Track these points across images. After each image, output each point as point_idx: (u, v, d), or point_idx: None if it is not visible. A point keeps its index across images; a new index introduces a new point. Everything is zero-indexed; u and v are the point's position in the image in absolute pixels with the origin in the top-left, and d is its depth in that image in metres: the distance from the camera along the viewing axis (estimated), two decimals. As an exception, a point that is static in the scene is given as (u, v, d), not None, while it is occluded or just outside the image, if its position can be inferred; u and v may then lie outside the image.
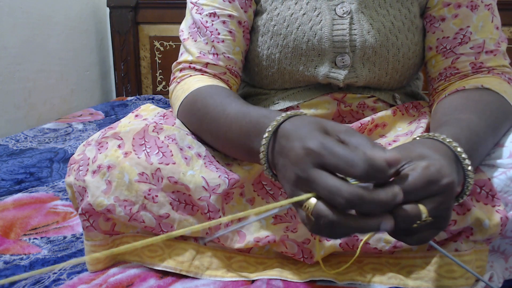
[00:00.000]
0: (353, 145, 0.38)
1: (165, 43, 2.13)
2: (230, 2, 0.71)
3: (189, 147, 0.61)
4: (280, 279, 0.58)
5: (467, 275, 0.54)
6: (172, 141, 0.60)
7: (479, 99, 0.59)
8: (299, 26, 0.69)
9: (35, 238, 0.72)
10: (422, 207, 0.38)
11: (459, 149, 0.44)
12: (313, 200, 0.38)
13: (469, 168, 0.44)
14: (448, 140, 0.45)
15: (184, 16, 0.77)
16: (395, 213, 0.38)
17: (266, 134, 0.45)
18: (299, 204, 0.40)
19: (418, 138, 0.48)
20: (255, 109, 0.53)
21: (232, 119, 0.55)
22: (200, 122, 0.62)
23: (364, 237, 0.56)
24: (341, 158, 0.37)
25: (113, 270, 0.60)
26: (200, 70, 0.71)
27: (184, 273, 0.59)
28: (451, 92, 0.65)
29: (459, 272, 0.54)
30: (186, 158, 0.59)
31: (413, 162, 0.40)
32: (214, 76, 0.71)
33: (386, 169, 0.36)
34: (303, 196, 0.38)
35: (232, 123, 0.55)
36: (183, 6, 0.80)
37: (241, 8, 0.72)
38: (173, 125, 0.63)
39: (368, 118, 0.69)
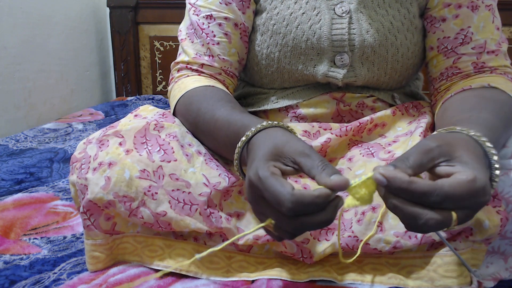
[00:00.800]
0: (304, 168, 0.42)
1: (165, 43, 2.13)
2: (226, 4, 0.72)
3: (190, 145, 0.62)
4: (280, 279, 0.58)
5: (465, 274, 0.54)
6: (173, 138, 0.61)
7: (492, 99, 0.59)
8: (299, 25, 0.69)
9: (35, 238, 0.72)
10: (454, 217, 0.39)
11: (495, 158, 0.44)
12: (270, 221, 0.43)
13: (497, 172, 0.44)
14: (488, 145, 0.44)
15: (184, 16, 0.78)
16: (428, 215, 0.38)
17: (236, 150, 0.52)
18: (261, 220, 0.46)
19: (457, 130, 0.47)
20: (239, 117, 0.57)
21: (220, 126, 0.59)
22: (195, 124, 0.65)
23: (364, 238, 0.56)
24: (272, 195, 0.41)
25: (113, 270, 0.60)
26: (196, 71, 0.73)
27: (184, 273, 0.59)
28: (457, 91, 0.65)
29: (458, 271, 0.54)
30: (187, 155, 0.60)
31: (452, 163, 0.40)
32: (210, 76, 0.73)
33: (314, 203, 0.39)
34: (262, 225, 0.44)
35: (220, 130, 0.58)
36: (183, 6, 0.81)
37: (239, 9, 0.72)
38: (173, 123, 0.64)
39: (367, 118, 0.69)
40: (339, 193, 0.42)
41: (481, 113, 0.54)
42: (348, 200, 0.43)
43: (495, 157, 0.44)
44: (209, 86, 0.68)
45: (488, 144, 0.45)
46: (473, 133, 0.46)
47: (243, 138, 0.51)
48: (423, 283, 0.56)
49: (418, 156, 0.41)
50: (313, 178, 0.42)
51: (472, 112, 0.56)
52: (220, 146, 0.60)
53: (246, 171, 0.47)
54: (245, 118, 0.56)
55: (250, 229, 0.59)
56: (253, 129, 0.50)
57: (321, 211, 0.41)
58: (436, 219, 0.38)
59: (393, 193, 0.40)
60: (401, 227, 0.55)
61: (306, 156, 0.43)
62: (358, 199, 0.42)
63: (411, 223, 0.40)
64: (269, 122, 0.51)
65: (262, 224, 0.44)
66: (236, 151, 0.52)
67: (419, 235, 0.55)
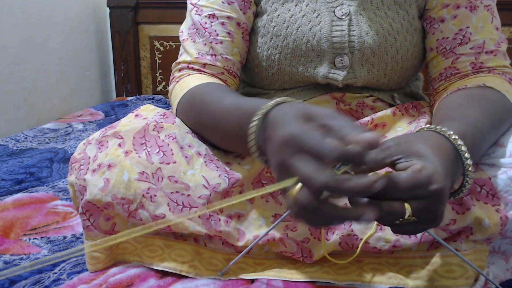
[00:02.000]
0: (334, 128, 0.40)
1: (165, 43, 2.13)
2: (229, 4, 0.72)
3: (189, 146, 0.62)
4: (280, 279, 0.58)
5: (466, 275, 0.54)
6: (173, 139, 0.60)
7: (483, 97, 0.60)
8: (299, 27, 0.69)
9: (35, 238, 0.72)
10: (407, 206, 0.40)
11: (463, 148, 0.45)
12: (298, 186, 0.39)
13: (470, 168, 0.45)
14: (453, 137, 0.46)
15: (184, 16, 0.78)
16: (380, 206, 0.39)
17: (254, 122, 0.47)
18: (285, 190, 0.41)
19: (425, 129, 0.49)
20: (250, 100, 0.55)
21: (228, 111, 0.56)
22: (198, 117, 0.63)
23: (364, 236, 0.56)
24: (316, 146, 0.38)
25: (113, 270, 0.60)
26: (198, 70, 0.72)
27: (184, 273, 0.59)
28: (452, 90, 0.65)
29: (459, 272, 0.54)
30: (186, 157, 0.59)
31: (409, 158, 0.41)
32: (212, 75, 0.72)
33: (358, 153, 0.37)
34: (288, 181, 0.39)
35: (228, 115, 0.56)
36: (183, 6, 0.81)
37: (240, 9, 0.72)
38: (173, 124, 0.63)
39: (367, 118, 0.69)
40: None
41: (466, 110, 0.55)
42: None
43: (463, 148, 0.45)
44: (212, 82, 0.68)
45: (454, 136, 0.46)
46: (439, 128, 0.47)
47: (262, 110, 0.46)
48: (423, 283, 0.56)
49: (374, 153, 0.41)
50: (343, 137, 0.39)
51: (457, 110, 0.56)
52: (228, 133, 0.57)
53: (274, 136, 0.43)
54: (256, 100, 0.53)
55: (251, 230, 0.59)
56: (271, 102, 0.47)
57: (360, 176, 0.38)
58: (386, 208, 0.39)
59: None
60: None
61: (334, 117, 0.41)
62: None
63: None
64: (284, 98, 0.48)
65: (293, 180, 0.39)
66: (254, 123, 0.47)
67: (419, 234, 0.55)
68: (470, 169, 0.46)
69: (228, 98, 0.59)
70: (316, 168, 0.37)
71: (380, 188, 0.38)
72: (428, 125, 0.50)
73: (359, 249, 0.56)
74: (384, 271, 0.58)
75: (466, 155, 0.45)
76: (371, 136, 0.37)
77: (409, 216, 0.40)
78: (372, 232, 0.56)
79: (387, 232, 0.56)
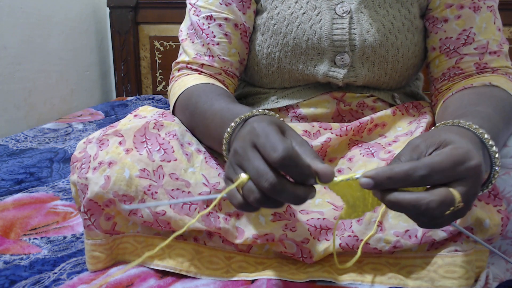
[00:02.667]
0: (294, 147, 0.41)
1: (165, 43, 2.13)
2: (226, 5, 0.72)
3: (189, 143, 0.62)
4: (280, 279, 0.58)
5: (467, 275, 0.54)
6: (173, 137, 0.61)
7: (491, 95, 0.60)
8: (299, 25, 0.70)
9: (35, 238, 0.72)
10: (455, 192, 0.38)
11: (486, 136, 0.45)
12: (244, 178, 0.41)
13: (496, 155, 0.44)
14: (474, 127, 0.45)
15: (184, 16, 0.78)
16: (427, 198, 0.37)
17: (234, 123, 0.50)
18: (230, 180, 0.44)
19: (442, 126, 0.48)
20: (238, 106, 0.57)
21: (216, 114, 0.58)
22: (191, 116, 0.65)
23: (365, 237, 0.56)
24: (270, 141, 0.40)
25: (113, 270, 0.60)
26: (196, 70, 0.74)
27: (184, 273, 0.59)
28: (458, 89, 0.65)
29: (459, 272, 0.54)
30: (187, 155, 0.60)
31: (440, 149, 0.40)
32: (210, 76, 0.74)
33: (305, 168, 0.39)
34: (239, 181, 0.41)
35: (215, 118, 0.58)
36: (183, 6, 0.81)
37: (239, 10, 0.73)
38: (173, 121, 0.64)
39: (367, 118, 0.69)
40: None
41: (478, 107, 0.55)
42: (344, 211, 0.44)
43: (490, 142, 0.45)
44: (209, 83, 0.69)
45: (481, 130, 0.45)
46: (463, 122, 0.47)
47: (237, 119, 0.50)
48: (423, 283, 0.56)
49: (408, 154, 0.41)
50: (288, 146, 0.41)
51: (469, 107, 0.56)
52: (213, 133, 0.59)
53: (247, 125, 0.46)
54: (245, 107, 0.55)
55: (250, 228, 0.59)
56: (253, 111, 0.50)
57: (300, 184, 0.40)
58: (436, 200, 0.37)
59: (385, 189, 0.39)
60: (401, 226, 0.55)
61: (302, 145, 0.43)
62: (352, 206, 0.43)
63: (416, 216, 0.39)
64: (265, 110, 0.51)
65: (243, 175, 0.41)
66: (228, 130, 0.50)
67: (419, 234, 0.55)
68: (497, 156, 0.44)
69: (219, 102, 0.60)
70: (268, 168, 0.39)
71: (313, 196, 0.40)
72: (444, 121, 0.48)
73: (359, 252, 0.56)
74: (384, 271, 0.58)
75: (491, 142, 0.44)
76: (326, 168, 0.39)
77: (459, 202, 0.37)
78: (372, 233, 0.56)
79: (388, 233, 0.56)
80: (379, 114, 0.70)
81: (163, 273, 0.60)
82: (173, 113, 0.72)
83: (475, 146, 0.42)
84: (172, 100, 0.72)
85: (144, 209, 0.57)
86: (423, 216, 0.38)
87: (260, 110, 0.50)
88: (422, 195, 0.37)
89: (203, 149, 0.63)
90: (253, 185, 0.40)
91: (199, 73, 0.73)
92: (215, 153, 0.65)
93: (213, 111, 0.59)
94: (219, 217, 0.58)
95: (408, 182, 0.38)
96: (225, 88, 0.70)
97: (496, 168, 0.45)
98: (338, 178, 0.41)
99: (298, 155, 0.39)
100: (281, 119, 0.71)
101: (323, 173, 0.39)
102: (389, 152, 0.63)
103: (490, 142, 0.45)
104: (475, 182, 0.39)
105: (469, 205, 0.40)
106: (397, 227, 0.56)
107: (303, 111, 0.73)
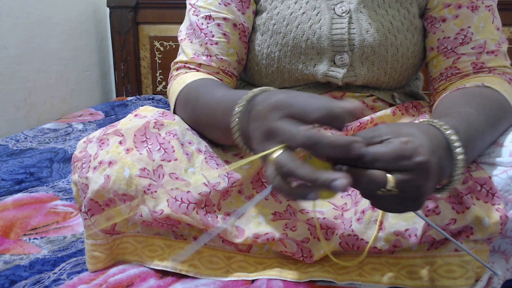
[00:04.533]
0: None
1: (165, 43, 2.13)
2: (225, 5, 0.72)
3: (190, 143, 0.62)
4: (280, 279, 0.58)
5: (467, 275, 0.54)
6: (174, 136, 0.61)
7: (479, 95, 0.60)
8: (299, 24, 0.70)
9: (35, 238, 0.72)
10: (390, 177, 0.40)
11: (453, 137, 0.45)
12: (279, 151, 0.40)
13: (459, 157, 0.45)
14: (444, 127, 0.46)
15: (184, 16, 0.79)
16: (362, 173, 0.39)
17: (239, 104, 0.50)
18: (266, 161, 0.42)
19: (417, 122, 0.49)
20: (239, 91, 0.57)
21: (219, 101, 0.58)
22: (193, 110, 0.65)
23: (364, 236, 0.56)
24: (303, 104, 0.41)
25: (113, 270, 0.60)
26: (194, 69, 0.74)
27: (184, 273, 0.59)
28: (452, 90, 0.65)
29: (459, 272, 0.54)
30: (187, 154, 0.60)
31: (398, 138, 0.42)
32: (208, 74, 0.74)
33: (344, 115, 0.40)
34: (271, 150, 0.41)
35: (218, 106, 0.58)
36: (183, 6, 0.81)
37: (238, 10, 0.73)
38: (173, 121, 0.64)
39: (367, 117, 0.69)
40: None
41: (461, 108, 0.55)
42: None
43: (453, 137, 0.45)
44: (207, 78, 0.70)
45: (445, 126, 0.46)
46: (431, 120, 0.48)
47: (249, 94, 0.49)
48: (423, 283, 0.56)
49: (366, 132, 0.43)
50: (322, 102, 0.42)
51: (452, 108, 0.57)
52: (217, 122, 0.58)
53: (265, 102, 0.45)
54: (246, 90, 0.55)
55: (250, 227, 0.59)
56: (257, 89, 0.50)
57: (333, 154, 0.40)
58: (367, 175, 0.39)
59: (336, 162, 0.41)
60: (401, 225, 0.55)
61: (317, 97, 0.43)
62: None
63: (354, 186, 0.41)
64: (270, 87, 0.51)
65: (275, 148, 0.41)
66: (239, 105, 0.50)
67: (419, 233, 0.55)
68: (460, 157, 0.45)
69: (219, 91, 0.61)
70: (298, 127, 0.40)
71: (359, 148, 0.39)
72: (420, 119, 0.50)
73: (365, 252, 0.55)
74: (384, 271, 0.58)
75: (456, 144, 0.45)
76: (353, 104, 0.40)
77: (392, 187, 0.39)
78: (375, 235, 0.56)
79: (387, 232, 0.56)
80: (379, 114, 0.70)
81: (163, 273, 0.60)
82: (174, 110, 0.72)
83: (433, 145, 0.43)
84: (172, 98, 0.73)
85: (144, 208, 0.57)
86: (357, 188, 0.41)
87: (257, 89, 0.50)
88: (357, 170, 0.40)
89: (203, 149, 0.63)
90: (283, 156, 0.40)
91: (197, 71, 0.74)
92: (215, 152, 0.65)
93: (215, 100, 0.59)
94: (217, 217, 0.58)
95: (348, 152, 0.39)
96: (223, 82, 0.71)
97: (457, 170, 0.46)
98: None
99: (332, 105, 0.40)
100: None
101: (353, 109, 0.40)
102: None
103: (456, 144, 0.45)
104: (418, 176, 0.40)
105: (414, 196, 0.41)
106: (397, 226, 0.56)
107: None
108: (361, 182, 0.40)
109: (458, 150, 0.45)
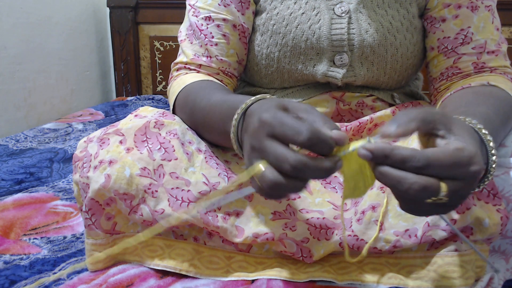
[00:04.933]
0: (308, 121, 0.41)
1: (165, 43, 2.13)
2: (225, 6, 0.72)
3: (190, 142, 0.62)
4: (280, 279, 0.58)
5: (467, 275, 0.54)
6: (174, 136, 0.61)
7: (490, 95, 0.60)
8: (298, 25, 0.70)
9: (35, 238, 0.72)
10: (443, 185, 0.38)
11: (491, 144, 0.45)
12: (262, 167, 0.41)
13: (494, 165, 0.45)
14: (484, 132, 0.46)
15: (184, 17, 0.79)
16: (414, 180, 0.37)
17: (236, 116, 0.49)
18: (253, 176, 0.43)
19: (460, 119, 0.47)
20: (235, 96, 0.56)
21: (215, 106, 0.58)
22: (191, 113, 0.65)
23: (364, 237, 0.56)
24: (289, 127, 0.40)
25: (113, 270, 0.60)
26: (194, 70, 0.74)
27: (184, 272, 0.59)
28: (456, 89, 0.65)
29: (459, 272, 0.54)
30: (187, 154, 0.60)
31: (449, 136, 0.40)
32: (209, 75, 0.74)
33: (329, 140, 0.39)
34: (258, 165, 0.41)
35: (215, 110, 0.58)
36: (183, 6, 0.81)
37: (238, 11, 0.73)
38: (173, 120, 0.64)
39: (367, 117, 0.69)
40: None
41: (478, 107, 0.55)
42: (345, 189, 0.43)
43: (491, 144, 0.45)
44: (206, 80, 0.70)
45: (484, 131, 0.46)
46: (469, 120, 0.47)
47: (243, 106, 0.49)
48: (423, 283, 0.56)
49: (423, 113, 0.41)
50: (308, 125, 0.41)
51: (469, 106, 0.56)
52: (214, 128, 0.59)
53: (254, 117, 0.44)
54: (240, 96, 0.55)
55: (250, 226, 0.59)
56: (252, 98, 0.49)
57: (324, 158, 0.40)
58: (420, 183, 0.37)
59: (379, 162, 0.40)
60: (401, 226, 0.55)
61: (309, 112, 0.43)
62: (350, 179, 0.42)
63: (397, 190, 0.39)
64: (265, 94, 0.51)
65: (258, 163, 0.41)
66: (235, 117, 0.49)
67: (419, 233, 0.55)
68: (494, 166, 0.45)
69: (216, 95, 0.61)
70: (287, 151, 0.39)
71: (339, 167, 0.39)
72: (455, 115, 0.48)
73: (364, 251, 0.55)
74: (384, 271, 0.58)
75: (493, 151, 0.45)
76: (339, 133, 0.39)
77: (443, 196, 0.38)
78: (376, 235, 0.56)
79: (388, 233, 0.56)
80: (378, 114, 0.70)
81: (163, 273, 0.60)
82: (174, 111, 0.72)
83: (478, 149, 0.42)
84: (171, 99, 0.73)
85: (144, 207, 0.57)
86: (405, 195, 0.39)
87: (257, 96, 0.50)
88: (409, 175, 0.38)
89: (203, 148, 0.63)
90: (269, 172, 0.40)
91: (197, 72, 0.74)
92: (215, 152, 0.65)
93: (211, 106, 0.60)
94: (217, 216, 0.58)
95: (403, 167, 0.38)
96: (221, 84, 0.71)
97: (491, 172, 0.46)
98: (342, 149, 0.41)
99: (319, 129, 0.39)
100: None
101: (338, 138, 0.39)
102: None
103: (493, 151, 0.45)
104: (468, 185, 0.39)
105: (454, 204, 0.40)
106: (397, 226, 0.56)
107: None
108: (413, 187, 0.37)
109: (494, 158, 0.45)
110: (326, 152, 0.40)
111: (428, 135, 0.42)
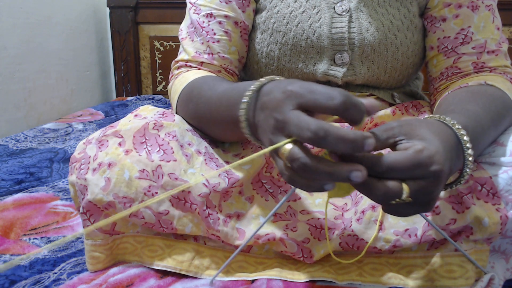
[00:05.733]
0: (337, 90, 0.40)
1: (165, 43, 2.13)
2: (226, 3, 0.72)
3: (189, 144, 0.62)
4: (280, 279, 0.58)
5: (467, 275, 0.54)
6: (173, 138, 0.61)
7: (483, 93, 0.60)
8: (299, 23, 0.70)
9: (35, 238, 0.72)
10: (405, 186, 0.39)
11: (465, 138, 0.45)
12: (289, 146, 0.39)
13: (470, 158, 0.46)
14: (457, 127, 0.46)
15: (184, 16, 0.78)
16: (377, 185, 0.39)
17: (249, 93, 0.47)
18: (277, 154, 0.41)
19: (428, 118, 0.48)
20: (244, 82, 0.55)
21: (222, 95, 0.57)
22: (196, 108, 0.64)
23: (364, 236, 0.56)
24: (321, 92, 0.39)
25: (113, 270, 0.60)
26: (195, 68, 0.74)
27: (184, 272, 0.59)
28: (454, 89, 0.65)
29: (459, 272, 0.54)
30: (186, 156, 0.60)
31: (411, 141, 0.41)
32: (210, 73, 0.73)
33: (362, 105, 0.38)
34: (281, 143, 0.39)
35: (222, 99, 0.57)
36: (183, 6, 0.81)
37: (239, 8, 0.73)
38: (173, 122, 0.64)
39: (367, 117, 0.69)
40: None
41: (467, 105, 0.55)
42: (330, 192, 0.43)
43: (465, 137, 0.45)
44: (209, 75, 0.70)
45: (458, 126, 0.46)
46: (443, 117, 0.47)
47: (257, 83, 0.46)
48: (423, 283, 0.56)
49: (379, 132, 0.43)
50: (340, 90, 0.40)
51: (458, 104, 0.56)
52: (221, 116, 0.57)
53: (273, 92, 0.43)
54: (248, 82, 0.52)
55: (251, 228, 0.59)
56: (265, 78, 0.47)
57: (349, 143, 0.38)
58: (380, 188, 0.39)
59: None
60: (400, 225, 0.55)
61: (332, 88, 0.42)
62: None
63: (367, 196, 0.40)
64: (276, 76, 0.49)
65: (286, 141, 0.39)
66: (247, 95, 0.47)
67: (419, 233, 0.55)
68: (470, 159, 0.45)
69: (222, 85, 0.60)
70: (310, 118, 0.38)
71: (372, 145, 0.38)
72: (431, 115, 0.49)
73: (363, 252, 0.56)
74: (384, 271, 0.58)
75: (468, 145, 0.45)
76: (371, 101, 0.39)
77: (406, 197, 0.39)
78: (375, 235, 0.56)
79: (387, 232, 0.56)
80: (378, 113, 0.70)
81: (163, 273, 0.60)
82: (177, 109, 0.71)
83: (447, 148, 0.42)
84: (174, 97, 0.72)
85: (146, 210, 0.57)
86: (374, 199, 0.40)
87: (266, 77, 0.48)
88: (373, 181, 0.39)
89: (203, 150, 0.63)
90: (297, 150, 0.38)
91: (199, 70, 0.73)
92: (215, 153, 0.65)
93: (218, 94, 0.58)
94: (219, 219, 0.58)
95: (369, 173, 0.39)
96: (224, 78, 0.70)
97: (468, 170, 0.46)
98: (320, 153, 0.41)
99: (350, 95, 0.39)
100: None
101: (370, 107, 0.40)
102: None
103: (468, 145, 0.45)
104: (433, 184, 0.40)
105: (425, 202, 0.41)
106: (397, 226, 0.56)
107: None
108: (376, 193, 0.39)
109: (470, 151, 0.45)
110: (359, 119, 0.39)
111: (394, 146, 0.43)
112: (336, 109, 0.38)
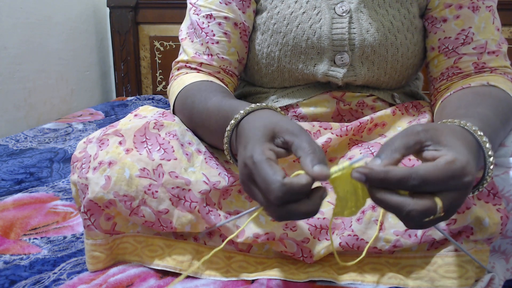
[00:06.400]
0: (293, 148, 0.43)
1: (165, 43, 2.13)
2: (226, 4, 0.72)
3: (190, 143, 0.63)
4: (280, 279, 0.58)
5: (467, 275, 0.54)
6: (173, 137, 0.61)
7: (489, 95, 0.60)
8: (299, 24, 0.70)
9: (35, 238, 0.72)
10: (438, 201, 0.38)
11: (487, 145, 0.45)
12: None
13: (491, 167, 0.45)
14: (479, 133, 0.45)
15: (184, 16, 0.79)
16: (412, 206, 0.38)
17: (226, 133, 0.52)
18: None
19: (448, 123, 0.48)
20: (229, 102, 0.57)
21: (211, 113, 0.59)
22: (189, 116, 0.65)
23: (364, 237, 0.56)
24: (263, 182, 0.40)
25: (113, 270, 0.60)
26: (195, 69, 0.74)
27: (184, 272, 0.59)
28: (456, 89, 0.65)
29: (459, 272, 0.54)
30: (187, 154, 0.60)
31: (438, 147, 0.41)
32: (209, 74, 0.74)
33: (302, 189, 0.39)
34: (256, 213, 0.47)
35: (210, 117, 0.59)
36: (183, 6, 0.81)
37: (239, 9, 0.73)
38: (173, 121, 0.64)
39: (367, 117, 0.69)
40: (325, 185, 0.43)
41: (477, 108, 0.55)
42: (335, 206, 0.43)
43: (488, 145, 0.45)
44: (206, 80, 0.70)
45: (480, 132, 0.45)
46: (464, 122, 0.47)
47: (232, 121, 0.51)
48: (423, 283, 0.56)
49: (404, 139, 0.41)
50: (298, 159, 0.42)
51: (469, 107, 0.56)
52: (212, 134, 0.60)
53: (239, 154, 0.46)
54: (234, 103, 0.56)
55: (251, 227, 0.59)
56: (241, 111, 0.51)
57: (306, 200, 0.41)
58: (417, 209, 0.38)
59: (375, 186, 0.40)
60: (401, 225, 0.55)
61: (295, 136, 0.43)
62: (342, 198, 0.43)
63: (397, 215, 0.39)
64: (258, 104, 0.51)
65: (252, 209, 0.45)
66: (226, 134, 0.52)
67: (419, 233, 0.55)
68: (491, 167, 0.45)
69: (212, 100, 0.61)
70: (263, 198, 0.42)
71: (314, 207, 0.40)
72: (450, 119, 0.49)
73: (364, 252, 0.56)
74: (384, 271, 0.58)
75: (490, 152, 0.45)
76: (320, 170, 0.39)
77: (440, 212, 0.38)
78: (376, 235, 0.56)
79: (388, 232, 0.56)
80: (379, 113, 0.70)
81: (163, 273, 0.60)
82: (173, 112, 0.72)
83: (473, 157, 0.42)
84: (171, 99, 0.73)
85: (146, 208, 0.57)
86: (405, 219, 0.39)
87: (247, 108, 0.51)
88: (407, 200, 0.38)
89: (203, 149, 0.63)
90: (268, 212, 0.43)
91: (197, 72, 0.74)
92: (215, 153, 0.65)
93: (207, 111, 0.60)
94: (220, 215, 0.58)
95: (399, 187, 0.39)
96: (222, 85, 0.70)
97: (488, 177, 0.46)
98: (333, 168, 0.41)
99: (292, 184, 0.39)
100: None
101: (319, 175, 0.40)
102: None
103: (490, 153, 0.45)
104: (462, 195, 0.40)
105: (451, 213, 0.41)
106: (397, 226, 0.56)
107: (303, 110, 0.74)
108: (410, 214, 0.38)
109: (491, 159, 0.45)
110: (304, 196, 0.41)
111: (420, 152, 0.42)
112: (273, 203, 0.41)
